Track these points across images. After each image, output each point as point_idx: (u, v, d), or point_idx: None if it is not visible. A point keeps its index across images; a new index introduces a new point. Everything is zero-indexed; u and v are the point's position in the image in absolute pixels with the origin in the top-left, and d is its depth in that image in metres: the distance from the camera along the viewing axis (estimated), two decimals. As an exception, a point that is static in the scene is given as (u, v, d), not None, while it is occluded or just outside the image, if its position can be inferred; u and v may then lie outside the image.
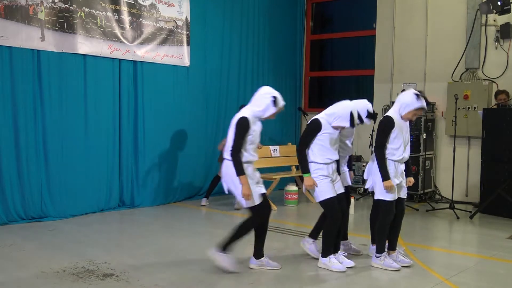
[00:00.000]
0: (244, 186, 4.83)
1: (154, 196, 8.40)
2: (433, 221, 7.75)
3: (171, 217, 7.71)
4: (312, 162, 5.07)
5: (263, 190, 5.05)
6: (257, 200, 4.94)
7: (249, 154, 4.92)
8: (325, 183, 5.05)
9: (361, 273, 5.07)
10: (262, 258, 5.16)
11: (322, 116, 5.10)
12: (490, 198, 7.83)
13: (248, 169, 4.93)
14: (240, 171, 4.83)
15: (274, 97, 4.90)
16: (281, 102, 4.95)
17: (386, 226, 5.20)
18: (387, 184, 5.07)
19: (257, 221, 5.04)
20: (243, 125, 4.85)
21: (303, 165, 5.07)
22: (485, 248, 6.25)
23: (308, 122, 5.17)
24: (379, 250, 5.22)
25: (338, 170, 5.27)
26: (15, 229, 6.50)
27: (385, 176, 5.09)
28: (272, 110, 4.92)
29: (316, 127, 5.05)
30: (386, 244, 5.30)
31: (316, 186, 5.04)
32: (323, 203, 5.10)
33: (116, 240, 6.26)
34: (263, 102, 4.91)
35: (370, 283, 4.84)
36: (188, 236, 6.51)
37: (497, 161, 8.07)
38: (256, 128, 4.95)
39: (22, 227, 6.63)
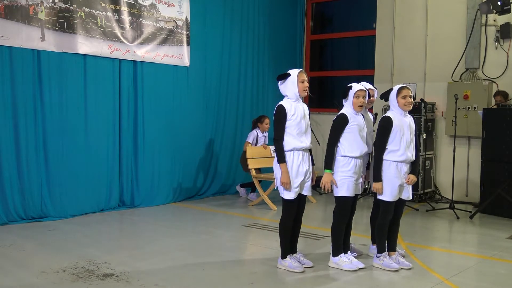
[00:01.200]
0: (283, 174, 4.88)
1: (154, 196, 8.40)
2: (433, 221, 7.75)
3: (171, 217, 7.71)
4: (342, 156, 5.06)
5: (304, 191, 5.05)
6: (290, 194, 4.93)
7: (296, 140, 4.92)
8: (347, 182, 5.05)
9: (361, 273, 5.06)
10: (286, 259, 5.11)
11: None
12: (490, 198, 7.83)
13: (294, 158, 4.93)
14: (280, 158, 4.90)
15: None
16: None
17: (385, 226, 5.20)
18: (376, 186, 5.11)
19: (287, 216, 5.02)
20: (277, 113, 4.95)
21: (328, 161, 5.08)
22: (485, 248, 6.24)
23: (334, 119, 5.16)
24: (379, 250, 5.23)
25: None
26: (15, 229, 6.50)
27: (376, 177, 5.11)
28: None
29: (342, 120, 5.07)
30: (386, 244, 5.30)
31: (335, 185, 5.07)
32: (338, 198, 5.11)
33: (116, 240, 6.26)
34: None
35: (370, 283, 4.84)
36: (188, 236, 6.51)
37: (497, 161, 8.07)
38: (297, 113, 4.93)
39: (22, 227, 6.63)
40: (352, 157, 5.05)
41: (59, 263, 5.12)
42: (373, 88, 5.58)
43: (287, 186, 4.90)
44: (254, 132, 9.02)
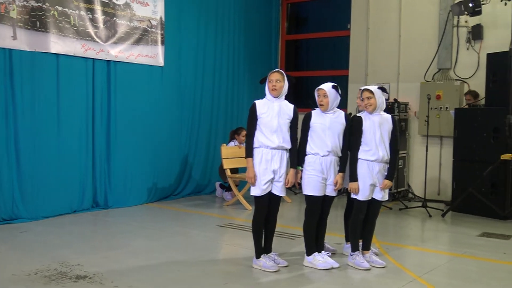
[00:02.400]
0: (248, 169, 5.04)
1: (128, 196, 8.32)
2: (406, 219, 7.85)
3: (146, 218, 7.67)
4: (308, 154, 5.14)
5: (275, 190, 5.07)
6: (256, 191, 5.03)
7: (264, 138, 5.01)
8: (313, 180, 5.11)
9: (335, 272, 5.10)
10: (261, 258, 5.13)
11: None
12: (462, 196, 7.96)
13: (263, 156, 5.00)
14: (246, 153, 5.08)
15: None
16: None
17: (357, 224, 5.27)
18: (352, 186, 5.17)
19: (257, 214, 5.09)
20: (249, 110, 5.10)
21: (298, 159, 5.16)
22: (457, 245, 6.36)
23: None
24: (353, 249, 5.29)
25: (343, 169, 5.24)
26: (-14, 231, 6.40)
27: (351, 177, 5.18)
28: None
29: (305, 119, 5.20)
30: (360, 243, 5.35)
31: (298, 182, 5.15)
32: (306, 197, 5.19)
33: (89, 242, 6.19)
34: None
35: (344, 282, 4.88)
36: (163, 237, 6.48)
37: (468, 160, 8.21)
38: (269, 112, 5.01)
39: (-7, 229, 6.52)
40: (315, 154, 5.11)
41: (31, 266, 5.04)
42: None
43: (252, 180, 5.00)
44: (231, 143, 9.07)
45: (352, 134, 5.20)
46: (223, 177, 9.02)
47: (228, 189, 9.09)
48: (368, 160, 5.16)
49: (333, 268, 5.14)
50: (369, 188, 5.18)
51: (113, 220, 7.38)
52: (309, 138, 5.16)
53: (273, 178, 5.03)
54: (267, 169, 5.00)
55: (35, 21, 7.06)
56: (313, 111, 5.23)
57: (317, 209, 5.16)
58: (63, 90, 7.44)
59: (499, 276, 5.13)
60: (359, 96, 5.40)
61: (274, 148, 5.01)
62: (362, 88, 5.32)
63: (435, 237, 7.05)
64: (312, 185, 5.11)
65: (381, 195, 5.28)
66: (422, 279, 4.93)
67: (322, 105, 5.14)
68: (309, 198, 5.16)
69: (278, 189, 5.08)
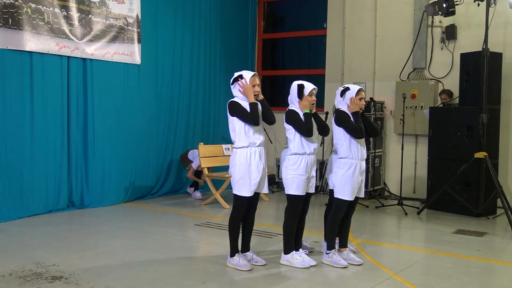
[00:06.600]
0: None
1: (104, 196, 8.24)
2: (382, 217, 7.93)
3: (122, 217, 7.60)
4: (292, 154, 5.14)
5: (261, 189, 5.10)
6: (242, 191, 4.99)
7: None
8: (298, 180, 5.11)
9: (312, 270, 5.13)
10: (235, 257, 5.13)
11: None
12: (437, 194, 8.07)
13: (254, 154, 4.99)
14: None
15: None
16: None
17: (335, 223, 5.31)
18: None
19: (236, 213, 5.06)
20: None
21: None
22: (432, 243, 6.44)
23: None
24: (329, 247, 5.32)
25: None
26: (-42, 232, 6.27)
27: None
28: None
29: None
30: (337, 241, 5.39)
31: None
32: (289, 196, 5.18)
33: (65, 242, 6.12)
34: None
35: (321, 280, 4.91)
36: (140, 236, 6.43)
37: (443, 158, 8.33)
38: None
39: (-35, 230, 6.40)
40: (300, 154, 5.13)
41: (5, 267, 4.96)
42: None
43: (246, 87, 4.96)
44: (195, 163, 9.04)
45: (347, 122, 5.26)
46: (185, 164, 9.09)
47: (196, 187, 9.09)
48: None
49: (311, 266, 5.17)
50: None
51: (89, 220, 7.30)
52: (297, 138, 5.18)
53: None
54: (258, 172, 5.01)
55: (8, 18, 6.94)
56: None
57: (299, 208, 5.19)
58: (37, 88, 7.33)
59: (473, 272, 5.22)
60: None
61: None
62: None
63: (411, 234, 7.14)
64: (296, 185, 5.11)
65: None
66: (398, 276, 4.99)
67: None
68: (292, 198, 5.16)
69: (261, 187, 5.13)
